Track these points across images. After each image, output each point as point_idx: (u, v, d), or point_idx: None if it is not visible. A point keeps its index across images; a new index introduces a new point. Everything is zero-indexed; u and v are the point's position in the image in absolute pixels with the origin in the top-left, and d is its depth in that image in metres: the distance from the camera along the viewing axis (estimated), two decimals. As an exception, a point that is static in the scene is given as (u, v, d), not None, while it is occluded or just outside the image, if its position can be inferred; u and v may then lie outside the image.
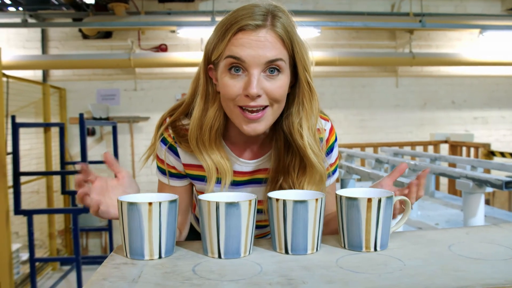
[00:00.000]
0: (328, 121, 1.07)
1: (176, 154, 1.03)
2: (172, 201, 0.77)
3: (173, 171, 1.06)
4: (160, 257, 0.77)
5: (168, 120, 1.04)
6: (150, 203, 0.74)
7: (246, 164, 1.04)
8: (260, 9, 0.90)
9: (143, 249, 0.75)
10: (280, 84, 0.90)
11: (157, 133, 1.05)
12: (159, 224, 0.75)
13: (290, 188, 0.97)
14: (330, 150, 1.06)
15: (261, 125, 0.91)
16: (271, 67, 0.89)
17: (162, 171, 1.07)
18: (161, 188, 1.09)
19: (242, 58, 0.87)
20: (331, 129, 1.06)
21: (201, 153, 0.98)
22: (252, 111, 0.89)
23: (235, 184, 1.05)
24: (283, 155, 0.99)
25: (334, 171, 1.09)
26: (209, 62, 0.96)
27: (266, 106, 0.90)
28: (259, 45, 0.88)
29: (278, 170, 1.00)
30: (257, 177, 1.05)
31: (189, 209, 1.12)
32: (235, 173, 1.04)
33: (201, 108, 0.97)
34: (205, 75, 0.97)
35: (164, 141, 1.03)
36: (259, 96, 0.88)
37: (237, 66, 0.89)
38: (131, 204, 0.74)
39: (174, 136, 1.02)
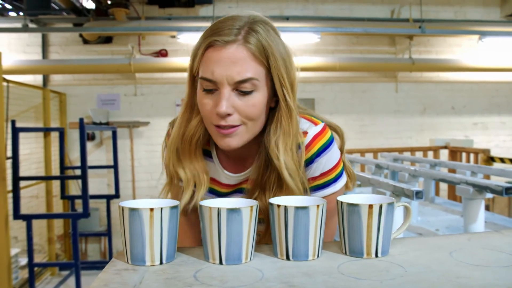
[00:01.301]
0: (317, 124, 0.98)
1: None
2: (173, 207, 0.77)
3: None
4: (161, 263, 0.76)
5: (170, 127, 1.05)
6: (151, 209, 0.74)
7: (232, 178, 1.03)
8: (237, 23, 0.88)
9: (144, 255, 0.75)
10: (253, 102, 0.88)
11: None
12: (160, 230, 0.75)
13: (264, 204, 0.94)
14: (310, 162, 0.97)
15: (234, 140, 0.90)
16: (243, 86, 0.87)
17: None
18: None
19: (212, 78, 0.87)
20: (316, 135, 0.97)
21: (181, 163, 0.98)
22: (224, 127, 0.89)
23: (219, 195, 1.05)
24: (262, 170, 0.96)
25: (327, 184, 1.00)
26: (193, 74, 0.95)
27: (238, 125, 0.89)
28: (228, 63, 0.86)
29: (256, 183, 0.98)
30: (242, 187, 1.04)
31: None
32: (221, 184, 1.04)
33: (185, 118, 0.97)
34: (190, 86, 0.96)
35: (165, 143, 1.05)
36: (229, 115, 0.87)
37: (209, 85, 0.88)
38: (132, 210, 0.74)
39: None
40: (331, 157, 0.99)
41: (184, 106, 0.98)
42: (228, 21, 0.89)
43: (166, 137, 1.06)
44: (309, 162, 0.97)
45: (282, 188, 0.94)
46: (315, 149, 0.97)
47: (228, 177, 1.03)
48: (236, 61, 0.86)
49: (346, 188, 1.08)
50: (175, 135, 0.98)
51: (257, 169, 0.98)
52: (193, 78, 0.95)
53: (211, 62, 0.87)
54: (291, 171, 0.92)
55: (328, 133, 0.99)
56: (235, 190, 1.05)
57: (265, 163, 0.96)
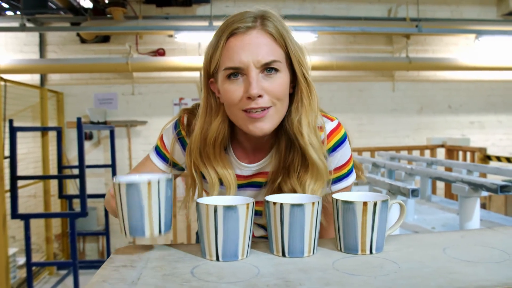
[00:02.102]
0: (333, 120, 1.03)
1: (184, 148, 1.06)
2: (169, 179, 0.81)
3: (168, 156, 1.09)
4: (160, 233, 0.80)
5: (185, 117, 1.07)
6: (149, 182, 0.77)
7: (246, 168, 1.05)
8: (250, 14, 0.93)
9: (144, 227, 0.78)
10: (279, 82, 0.92)
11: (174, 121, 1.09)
12: (158, 202, 0.78)
13: (289, 189, 0.97)
14: (328, 154, 1.01)
15: (266, 124, 0.92)
16: (268, 68, 0.91)
17: (159, 152, 1.09)
18: (143, 165, 1.10)
19: (239, 65, 0.89)
20: (333, 130, 1.02)
21: (205, 166, 1.00)
22: (256, 111, 0.91)
23: None
24: (284, 155, 0.99)
25: (340, 178, 1.04)
26: (209, 76, 0.97)
27: (269, 107, 0.92)
28: (252, 48, 0.89)
29: (278, 170, 1.00)
30: (256, 181, 1.06)
31: None
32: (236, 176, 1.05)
33: (204, 121, 0.99)
34: (206, 89, 0.98)
35: (176, 128, 1.07)
36: (260, 96, 0.90)
37: (235, 72, 0.91)
38: (130, 184, 0.77)
39: (186, 130, 1.05)
40: (345, 152, 1.03)
41: (202, 109, 0.99)
42: (240, 13, 0.93)
43: (180, 124, 1.07)
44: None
45: (307, 168, 0.96)
46: (331, 143, 1.01)
47: (242, 168, 1.05)
48: (259, 45, 0.90)
49: (358, 178, 1.12)
50: (197, 139, 0.99)
51: (278, 155, 1.00)
52: (208, 80, 0.97)
53: (236, 49, 0.90)
54: (316, 147, 0.95)
55: (343, 129, 1.03)
56: (249, 184, 1.06)
57: (286, 146, 0.98)
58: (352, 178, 1.07)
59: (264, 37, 0.91)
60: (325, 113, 1.05)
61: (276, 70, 0.91)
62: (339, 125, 1.03)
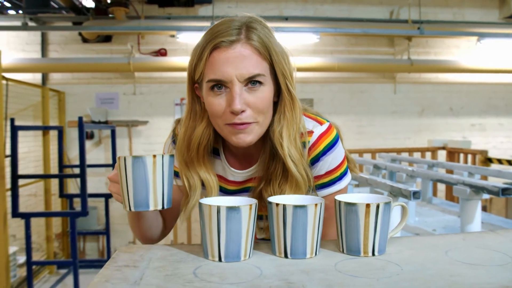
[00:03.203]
0: (322, 124, 1.01)
1: None
2: (172, 156, 0.84)
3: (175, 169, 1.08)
4: (163, 207, 0.82)
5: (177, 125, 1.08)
6: (154, 156, 0.80)
7: (237, 174, 1.05)
8: (235, 23, 0.91)
9: (148, 200, 0.81)
10: (262, 95, 0.91)
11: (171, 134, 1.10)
12: (162, 176, 0.81)
13: (269, 195, 0.96)
14: (315, 160, 1.00)
15: (249, 136, 0.92)
16: (252, 81, 0.90)
17: None
18: None
19: (222, 78, 0.89)
20: (322, 134, 1.00)
21: (188, 170, 1.00)
22: (239, 124, 0.91)
23: (227, 192, 1.07)
24: (267, 162, 0.99)
25: (333, 181, 1.02)
26: (194, 82, 0.97)
27: (251, 123, 0.91)
28: (236, 62, 0.88)
29: (262, 175, 1.00)
30: (248, 186, 1.06)
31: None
32: (228, 182, 1.06)
33: (188, 126, 0.99)
34: (191, 94, 0.98)
35: (172, 138, 1.08)
36: (243, 111, 0.90)
37: (219, 85, 0.90)
38: (136, 157, 0.80)
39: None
40: (336, 156, 1.01)
41: (186, 114, 1.00)
42: (225, 23, 0.92)
43: (174, 135, 1.08)
44: (315, 160, 1.00)
45: (287, 179, 0.96)
46: (320, 148, 0.99)
47: (234, 174, 1.05)
48: (243, 59, 0.89)
49: (351, 171, 1.10)
50: (181, 144, 0.99)
51: (262, 162, 1.00)
52: (193, 85, 0.97)
53: (219, 63, 0.89)
54: (295, 159, 0.95)
55: (334, 133, 1.01)
56: (243, 189, 1.07)
57: (270, 155, 0.98)
58: (346, 181, 1.04)
59: (248, 50, 0.90)
60: (316, 116, 1.03)
61: (260, 83, 0.91)
62: (329, 128, 1.01)
